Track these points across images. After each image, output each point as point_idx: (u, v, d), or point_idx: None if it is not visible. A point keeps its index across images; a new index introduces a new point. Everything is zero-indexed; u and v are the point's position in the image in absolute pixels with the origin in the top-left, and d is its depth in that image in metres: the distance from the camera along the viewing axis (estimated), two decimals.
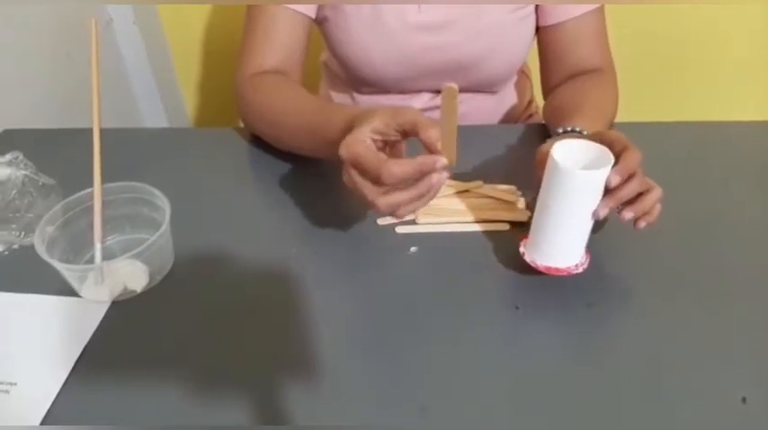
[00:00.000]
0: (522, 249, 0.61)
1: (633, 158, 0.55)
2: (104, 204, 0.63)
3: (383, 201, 0.55)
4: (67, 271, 0.58)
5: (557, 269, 0.59)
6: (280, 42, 0.79)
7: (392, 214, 0.57)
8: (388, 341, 0.56)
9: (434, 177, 0.54)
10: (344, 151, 0.55)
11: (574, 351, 0.55)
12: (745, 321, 0.57)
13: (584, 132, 0.66)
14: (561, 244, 0.58)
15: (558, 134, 0.67)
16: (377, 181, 0.54)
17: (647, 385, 0.52)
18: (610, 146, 0.56)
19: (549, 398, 0.51)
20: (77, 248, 0.63)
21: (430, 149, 0.54)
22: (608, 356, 0.55)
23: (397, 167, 0.53)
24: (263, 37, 0.79)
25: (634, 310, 0.59)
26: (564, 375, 0.53)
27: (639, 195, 0.57)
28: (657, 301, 0.59)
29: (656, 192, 0.58)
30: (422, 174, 0.54)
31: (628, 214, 0.57)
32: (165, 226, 0.60)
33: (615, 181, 0.54)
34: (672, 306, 0.59)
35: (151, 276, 0.61)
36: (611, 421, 0.49)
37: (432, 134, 0.54)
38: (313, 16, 0.81)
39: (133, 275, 0.60)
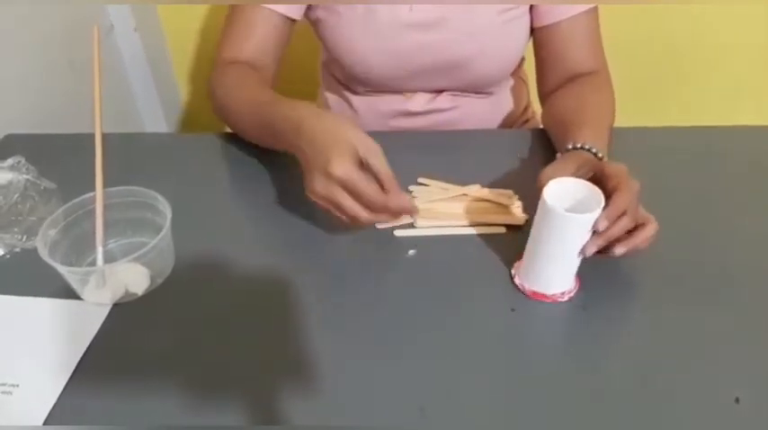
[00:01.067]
0: (513, 271, 0.62)
1: (624, 199, 0.55)
2: (106, 208, 0.64)
3: (367, 216, 0.60)
4: (69, 273, 0.59)
5: (543, 295, 0.60)
6: (255, 39, 0.82)
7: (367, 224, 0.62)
8: (387, 343, 0.57)
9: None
10: (340, 170, 0.58)
11: (569, 352, 0.56)
12: (739, 322, 0.58)
13: (593, 150, 0.65)
14: (549, 274, 0.59)
15: (568, 150, 0.67)
16: (369, 205, 0.60)
17: (641, 385, 0.52)
18: (607, 179, 0.57)
19: (546, 398, 0.52)
20: (79, 251, 0.64)
21: (382, 179, 0.61)
22: (603, 357, 0.55)
23: (402, 199, 0.62)
24: (241, 32, 0.82)
25: (629, 312, 0.60)
26: (560, 376, 0.53)
27: (631, 229, 0.57)
28: (652, 303, 0.60)
29: (651, 228, 0.58)
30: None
31: (619, 250, 0.57)
32: (166, 230, 0.61)
33: (602, 225, 0.54)
34: (666, 307, 0.60)
35: (152, 279, 0.62)
36: (606, 421, 0.50)
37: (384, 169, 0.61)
38: (295, 17, 0.83)
39: (134, 278, 0.60)
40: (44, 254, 0.58)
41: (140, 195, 0.65)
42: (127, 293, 0.61)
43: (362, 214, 0.60)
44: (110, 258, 0.63)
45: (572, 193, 0.57)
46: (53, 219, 0.62)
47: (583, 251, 0.56)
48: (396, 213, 0.63)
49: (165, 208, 0.62)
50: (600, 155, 0.65)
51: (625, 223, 0.56)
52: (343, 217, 0.62)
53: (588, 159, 0.63)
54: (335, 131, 0.60)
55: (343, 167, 0.58)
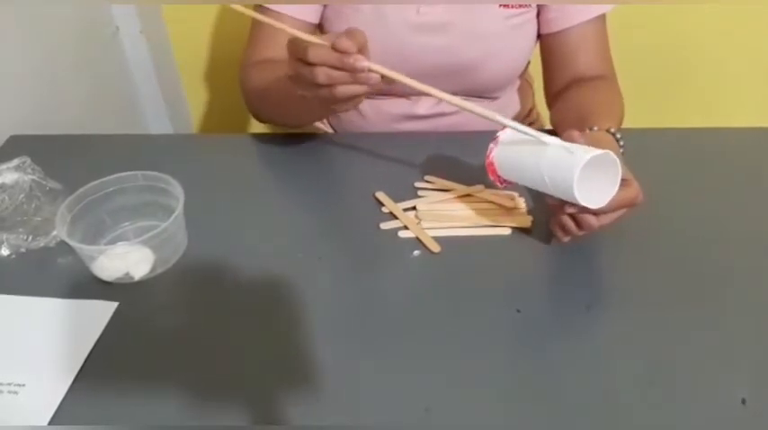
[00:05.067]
0: (501, 133, 0.64)
1: (609, 217, 0.59)
2: (121, 191, 0.68)
3: (320, 71, 0.57)
4: (80, 250, 0.61)
5: (497, 175, 0.65)
6: (280, 44, 0.80)
7: (330, 88, 0.58)
8: (392, 343, 0.57)
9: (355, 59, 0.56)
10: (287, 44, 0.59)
11: (574, 352, 0.56)
12: (744, 323, 0.58)
13: (618, 135, 0.66)
14: (516, 169, 0.62)
15: (592, 130, 0.67)
16: (304, 58, 0.57)
17: (646, 386, 0.52)
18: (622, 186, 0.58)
19: (550, 399, 0.52)
20: (97, 232, 0.68)
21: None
22: (607, 358, 0.55)
23: (321, 49, 0.57)
24: (265, 37, 0.83)
25: (633, 312, 0.59)
26: (564, 377, 0.53)
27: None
28: (657, 303, 0.60)
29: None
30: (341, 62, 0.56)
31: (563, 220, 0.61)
32: (178, 213, 0.62)
33: (591, 221, 0.58)
34: (671, 307, 0.59)
35: (156, 265, 0.63)
36: (611, 422, 0.50)
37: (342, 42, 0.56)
38: (316, 22, 0.84)
39: (136, 262, 0.62)
40: (62, 233, 0.61)
41: (156, 180, 0.67)
42: (126, 276, 0.62)
43: (306, 71, 0.58)
44: (124, 240, 0.67)
45: (605, 170, 0.56)
46: (69, 202, 0.64)
47: (551, 199, 0.59)
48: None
49: (179, 192, 0.64)
50: (622, 142, 0.65)
51: (592, 222, 0.59)
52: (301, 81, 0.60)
53: (616, 149, 0.64)
54: None
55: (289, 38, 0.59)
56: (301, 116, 0.81)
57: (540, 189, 0.59)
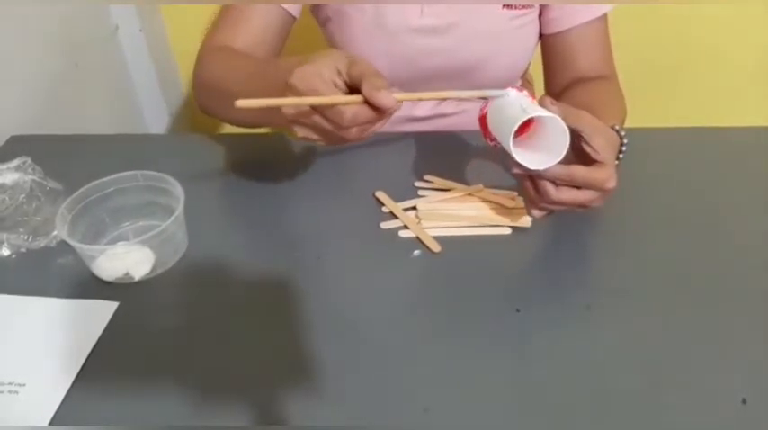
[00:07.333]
0: (511, 90, 0.63)
1: (583, 195, 0.58)
2: (121, 191, 0.68)
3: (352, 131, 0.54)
4: (80, 250, 0.61)
5: (487, 129, 0.64)
6: (252, 26, 0.78)
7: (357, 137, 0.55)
8: (391, 343, 0.57)
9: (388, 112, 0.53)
10: (300, 83, 0.52)
11: (573, 352, 0.56)
12: (744, 322, 0.58)
13: (622, 133, 0.65)
14: (495, 125, 0.62)
15: None
16: (332, 118, 0.52)
17: (646, 386, 0.52)
18: (595, 168, 0.57)
19: (550, 398, 0.52)
20: (98, 232, 0.68)
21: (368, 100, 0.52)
22: (607, 358, 0.55)
23: (363, 111, 0.52)
24: (238, 18, 0.79)
25: (633, 312, 0.59)
26: (564, 376, 0.53)
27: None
28: (656, 303, 0.60)
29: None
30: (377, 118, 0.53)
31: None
32: (178, 213, 0.62)
33: (551, 193, 0.58)
34: (671, 307, 0.59)
35: (156, 265, 0.63)
36: (611, 422, 0.50)
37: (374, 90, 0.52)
38: (294, 14, 0.82)
39: (136, 262, 0.62)
40: (63, 233, 0.61)
41: (156, 180, 0.67)
42: (126, 276, 0.62)
43: (333, 126, 0.53)
44: (124, 240, 0.67)
45: (562, 139, 0.55)
46: (69, 202, 0.64)
47: (511, 167, 0.60)
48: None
49: (179, 192, 0.64)
50: (625, 140, 0.64)
51: (549, 190, 0.58)
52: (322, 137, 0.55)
53: (616, 143, 0.63)
54: (319, 53, 0.55)
55: (303, 75, 0.52)
56: (259, 125, 0.77)
57: (506, 148, 0.59)
